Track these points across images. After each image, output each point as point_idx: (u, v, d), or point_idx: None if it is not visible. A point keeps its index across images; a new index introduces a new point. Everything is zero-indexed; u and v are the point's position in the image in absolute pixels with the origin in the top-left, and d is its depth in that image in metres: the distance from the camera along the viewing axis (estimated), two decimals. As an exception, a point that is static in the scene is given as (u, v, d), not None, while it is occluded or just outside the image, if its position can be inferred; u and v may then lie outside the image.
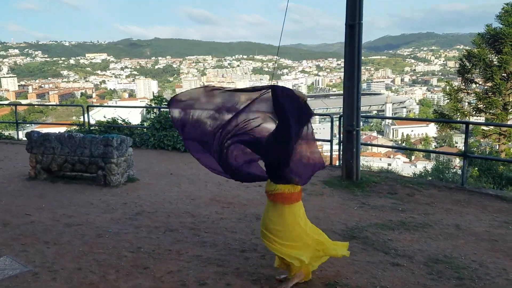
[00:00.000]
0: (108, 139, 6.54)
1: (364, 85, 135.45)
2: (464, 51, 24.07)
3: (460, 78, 23.09)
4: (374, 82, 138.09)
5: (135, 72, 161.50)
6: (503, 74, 20.36)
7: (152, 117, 10.21)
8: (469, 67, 22.15)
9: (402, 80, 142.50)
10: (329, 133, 8.14)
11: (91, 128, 10.58)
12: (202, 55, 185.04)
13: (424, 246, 4.39)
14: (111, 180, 6.56)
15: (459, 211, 5.44)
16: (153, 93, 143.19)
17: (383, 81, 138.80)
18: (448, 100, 23.52)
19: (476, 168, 8.95)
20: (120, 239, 4.61)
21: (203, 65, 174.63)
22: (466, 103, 22.30)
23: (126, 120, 10.62)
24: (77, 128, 10.87)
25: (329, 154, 8.06)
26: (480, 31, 21.56)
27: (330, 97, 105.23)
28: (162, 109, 10.14)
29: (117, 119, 10.43)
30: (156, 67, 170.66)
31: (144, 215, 5.44)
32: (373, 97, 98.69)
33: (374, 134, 78.38)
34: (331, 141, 8.11)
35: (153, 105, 10.69)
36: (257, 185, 6.90)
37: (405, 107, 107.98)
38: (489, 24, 21.68)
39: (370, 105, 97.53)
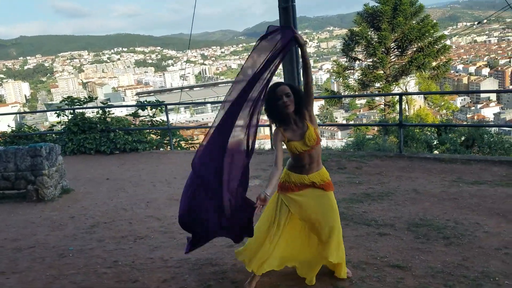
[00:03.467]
0: (36, 149, 5.72)
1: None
2: (347, 31, 25.97)
3: (345, 56, 25.03)
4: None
5: (2, 75, 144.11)
6: (383, 49, 22.56)
7: (67, 120, 9.19)
8: (353, 45, 24.08)
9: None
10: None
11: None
12: (77, 51, 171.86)
13: (398, 213, 4.67)
14: (45, 194, 5.78)
15: (408, 176, 5.90)
16: (25, 96, 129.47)
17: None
18: (338, 79, 25.41)
19: (392, 136, 9.75)
20: (88, 256, 4.11)
21: (79, 61, 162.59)
22: (352, 79, 24.28)
23: (33, 127, 9.42)
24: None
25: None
26: (346, 12, 23.36)
27: (219, 85, 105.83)
28: (77, 110, 9.19)
29: (24, 126, 9.20)
30: (26, 67, 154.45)
31: (101, 227, 4.91)
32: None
33: (265, 117, 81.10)
34: (270, 125, 8.17)
35: (65, 106, 9.62)
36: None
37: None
38: (367, 4, 23.66)
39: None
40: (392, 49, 22.89)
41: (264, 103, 2.86)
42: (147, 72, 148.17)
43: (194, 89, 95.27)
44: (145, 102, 9.62)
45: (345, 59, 24.96)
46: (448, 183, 5.47)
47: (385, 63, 22.08)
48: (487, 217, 4.37)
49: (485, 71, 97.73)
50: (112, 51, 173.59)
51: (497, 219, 4.32)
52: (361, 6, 23.80)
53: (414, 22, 22.12)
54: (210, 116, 75.50)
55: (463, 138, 9.18)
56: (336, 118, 66.08)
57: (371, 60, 22.99)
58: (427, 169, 6.12)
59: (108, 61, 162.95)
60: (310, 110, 2.94)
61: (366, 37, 22.43)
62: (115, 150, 8.70)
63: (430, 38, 22.27)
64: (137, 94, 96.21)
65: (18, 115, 37.42)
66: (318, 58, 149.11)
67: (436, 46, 21.97)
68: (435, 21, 25.39)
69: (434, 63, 22.71)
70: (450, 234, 4.03)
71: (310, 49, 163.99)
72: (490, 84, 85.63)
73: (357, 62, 23.96)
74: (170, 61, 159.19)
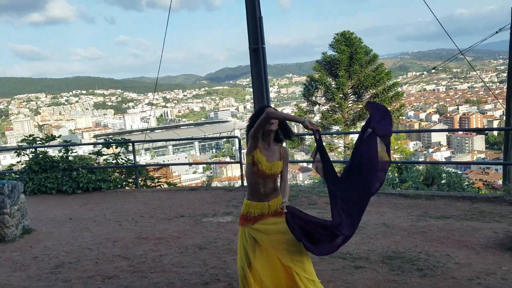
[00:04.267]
0: (-4, 186, 5.42)
1: (211, 114, 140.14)
2: (307, 77, 27.05)
3: (306, 100, 25.96)
4: (220, 110, 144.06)
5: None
6: (341, 95, 23.56)
7: (27, 159, 8.81)
8: (312, 90, 25.08)
9: (245, 107, 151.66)
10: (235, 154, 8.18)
11: None
12: (35, 93, 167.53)
13: (371, 246, 4.73)
14: (6, 233, 5.43)
15: (377, 211, 6.03)
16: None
17: (229, 109, 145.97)
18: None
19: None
20: (54, 298, 3.86)
21: (36, 103, 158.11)
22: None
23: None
24: None
25: (239, 175, 8.08)
26: (303, 61, 24.80)
27: (181, 127, 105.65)
28: (38, 149, 8.85)
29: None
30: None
31: (66, 267, 4.65)
32: (221, 125, 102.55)
33: (227, 159, 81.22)
34: (240, 162, 8.18)
35: (26, 145, 9.22)
36: (180, 216, 6.54)
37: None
38: (325, 52, 24.90)
39: (220, 132, 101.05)
40: (350, 95, 23.95)
41: (250, 120, 2.99)
42: (106, 114, 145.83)
43: (156, 131, 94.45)
44: (110, 140, 9.41)
45: (305, 104, 25.85)
46: (415, 218, 5.62)
47: (343, 108, 23.00)
48: (456, 249, 4.50)
49: (435, 117, 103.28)
50: (71, 93, 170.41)
51: (466, 251, 4.46)
52: (317, 56, 25.22)
53: (369, 70, 23.35)
54: (171, 158, 74.59)
55: (422, 177, 9.54)
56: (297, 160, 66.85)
57: (330, 104, 23.92)
58: (394, 204, 6.29)
59: (66, 103, 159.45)
60: (286, 163, 3.02)
61: (325, 83, 23.45)
62: (78, 189, 8.37)
63: (384, 85, 23.52)
64: (95, 136, 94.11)
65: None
66: (279, 103, 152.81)
67: (390, 93, 23.20)
68: (387, 69, 26.90)
69: (388, 109, 23.86)
70: (423, 266, 4.11)
71: (270, 94, 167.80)
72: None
73: (317, 106, 24.92)
74: (130, 104, 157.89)
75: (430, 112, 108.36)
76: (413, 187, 8.34)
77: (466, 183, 8.54)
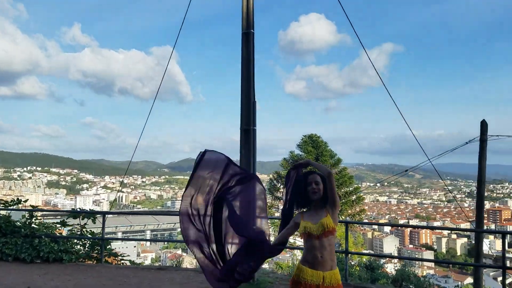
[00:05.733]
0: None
1: (168, 203, 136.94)
2: (273, 173, 27.82)
3: (270, 195, 26.43)
4: (179, 200, 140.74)
5: None
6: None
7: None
8: (278, 186, 25.77)
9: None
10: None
11: None
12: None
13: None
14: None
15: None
16: None
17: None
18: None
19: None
20: None
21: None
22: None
23: None
24: None
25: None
26: (265, 160, 26.33)
27: (136, 215, 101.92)
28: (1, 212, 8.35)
29: None
30: None
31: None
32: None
33: (179, 251, 77.65)
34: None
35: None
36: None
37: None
38: (292, 151, 26.13)
39: (175, 223, 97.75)
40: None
41: (290, 187, 3.24)
42: (58, 193, 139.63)
43: (108, 215, 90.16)
44: (79, 210, 9.02)
45: (269, 199, 26.23)
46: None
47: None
48: None
49: (387, 228, 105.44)
50: (25, 169, 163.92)
51: None
52: (279, 157, 26.58)
53: (333, 172, 24.43)
54: (119, 245, 70.42)
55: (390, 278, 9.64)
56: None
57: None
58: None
59: (18, 178, 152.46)
60: (334, 212, 3.09)
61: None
62: (37, 258, 7.79)
63: (346, 188, 24.46)
64: (43, 215, 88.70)
65: None
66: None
67: (352, 196, 24.07)
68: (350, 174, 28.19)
69: (349, 211, 24.56)
70: None
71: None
72: (391, 241, 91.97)
73: (281, 201, 25.36)
74: (85, 185, 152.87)
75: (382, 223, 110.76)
76: (385, 285, 8.36)
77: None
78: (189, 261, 19.81)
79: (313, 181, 3.09)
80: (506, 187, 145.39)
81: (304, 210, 3.16)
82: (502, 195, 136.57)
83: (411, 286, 9.06)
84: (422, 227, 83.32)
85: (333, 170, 24.24)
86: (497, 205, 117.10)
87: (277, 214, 24.85)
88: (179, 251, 77.81)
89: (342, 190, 24.06)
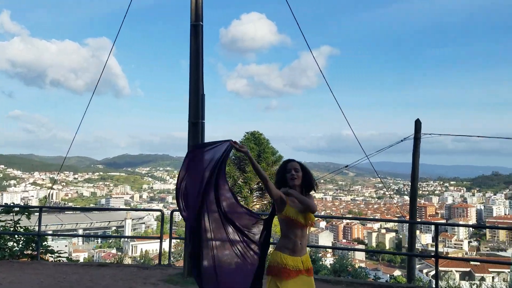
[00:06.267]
0: None
1: (103, 201, 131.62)
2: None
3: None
4: (113, 198, 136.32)
5: None
6: (247, 190, 24.37)
7: None
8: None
9: (140, 196, 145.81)
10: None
11: None
12: None
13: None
14: None
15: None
16: None
17: (123, 197, 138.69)
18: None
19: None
20: None
21: None
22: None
23: None
24: None
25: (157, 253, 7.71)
26: None
27: (66, 211, 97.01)
28: None
29: None
30: None
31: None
32: (113, 213, 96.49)
33: (114, 251, 75.14)
34: (160, 238, 7.85)
35: None
36: None
37: (143, 223, 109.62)
38: (235, 148, 26.16)
39: (110, 221, 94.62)
40: (255, 191, 24.89)
41: (275, 174, 3.33)
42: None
43: (36, 213, 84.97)
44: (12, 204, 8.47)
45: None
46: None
47: (249, 202, 23.69)
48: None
49: (322, 224, 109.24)
50: None
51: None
52: None
53: (274, 169, 24.84)
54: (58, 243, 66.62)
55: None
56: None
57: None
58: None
59: None
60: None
61: (234, 176, 24.21)
62: (-36, 256, 7.24)
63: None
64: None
65: None
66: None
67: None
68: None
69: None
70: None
71: (170, 186, 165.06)
72: (326, 236, 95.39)
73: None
74: (12, 181, 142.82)
75: (317, 219, 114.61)
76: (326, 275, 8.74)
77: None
78: (131, 259, 19.28)
79: (293, 168, 3.24)
80: (430, 185, 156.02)
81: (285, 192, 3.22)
82: (427, 192, 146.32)
83: (349, 277, 9.53)
84: (370, 220, 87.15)
85: (275, 167, 24.65)
86: (422, 201, 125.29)
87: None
88: (114, 251, 75.27)
89: (283, 187, 24.61)
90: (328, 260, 21.47)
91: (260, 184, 24.27)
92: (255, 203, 24.18)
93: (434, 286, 6.79)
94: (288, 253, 3.08)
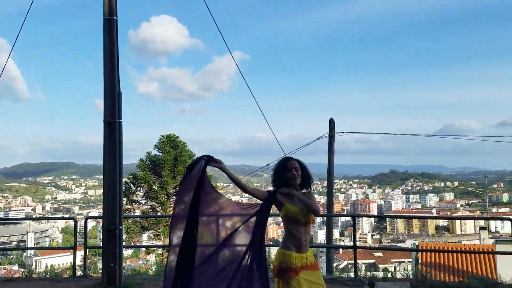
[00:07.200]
0: None
1: (1, 214, 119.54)
2: (129, 175, 26.54)
3: (126, 198, 25.14)
4: (13, 210, 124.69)
5: None
6: (163, 195, 23.72)
7: None
8: (134, 189, 24.62)
9: (43, 208, 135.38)
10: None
11: None
12: None
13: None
14: None
15: None
16: None
17: (23, 209, 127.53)
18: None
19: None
20: None
21: None
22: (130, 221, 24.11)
23: None
24: None
25: (66, 267, 7.15)
26: (126, 162, 25.64)
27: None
28: None
29: None
30: None
31: None
32: (12, 227, 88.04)
33: (16, 267, 68.57)
34: (74, 247, 7.26)
35: None
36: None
37: (48, 236, 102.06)
38: (149, 152, 25.22)
39: (9, 236, 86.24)
40: (172, 195, 24.29)
41: (272, 173, 3.29)
42: None
43: None
44: None
45: (124, 202, 24.96)
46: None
47: (166, 207, 23.07)
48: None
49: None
50: None
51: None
52: (133, 160, 25.60)
53: (192, 173, 24.61)
54: None
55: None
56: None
57: (151, 204, 23.71)
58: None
59: None
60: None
61: (149, 181, 23.40)
62: None
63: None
64: None
65: None
66: (84, 205, 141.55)
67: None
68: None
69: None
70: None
71: (76, 195, 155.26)
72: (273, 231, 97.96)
73: (137, 205, 24.33)
74: None
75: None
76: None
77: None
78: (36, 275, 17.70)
79: (293, 167, 3.23)
80: (336, 183, 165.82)
81: (285, 192, 3.22)
82: (334, 190, 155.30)
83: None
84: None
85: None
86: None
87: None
88: (16, 267, 68.67)
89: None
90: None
91: (177, 188, 23.81)
92: (171, 208, 23.67)
93: (353, 276, 7.16)
94: (295, 251, 3.16)
